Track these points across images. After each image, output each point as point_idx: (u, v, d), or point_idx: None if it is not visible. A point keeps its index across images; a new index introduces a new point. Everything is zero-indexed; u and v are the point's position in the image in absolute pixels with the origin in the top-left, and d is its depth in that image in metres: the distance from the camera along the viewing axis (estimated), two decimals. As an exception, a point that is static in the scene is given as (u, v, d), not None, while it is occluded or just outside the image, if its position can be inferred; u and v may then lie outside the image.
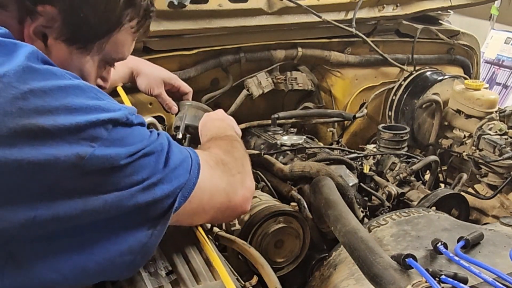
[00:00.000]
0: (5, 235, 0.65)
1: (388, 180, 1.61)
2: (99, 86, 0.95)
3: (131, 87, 1.47)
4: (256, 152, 1.54)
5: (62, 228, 0.68)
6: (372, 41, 2.04)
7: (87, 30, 0.83)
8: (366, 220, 1.38)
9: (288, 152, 1.58)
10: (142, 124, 0.79)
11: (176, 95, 1.45)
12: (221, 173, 0.94)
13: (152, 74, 1.39)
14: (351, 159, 1.58)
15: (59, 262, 0.69)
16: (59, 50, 0.83)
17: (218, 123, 1.24)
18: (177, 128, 1.37)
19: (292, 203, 1.30)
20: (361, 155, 1.71)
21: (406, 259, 0.90)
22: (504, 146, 1.70)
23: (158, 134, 0.81)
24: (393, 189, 1.52)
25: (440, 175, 1.81)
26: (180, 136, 1.35)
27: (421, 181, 1.65)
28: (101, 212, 0.70)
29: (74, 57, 0.85)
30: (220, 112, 1.33)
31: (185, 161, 0.84)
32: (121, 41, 0.90)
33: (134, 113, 0.77)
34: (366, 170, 1.60)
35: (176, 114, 1.42)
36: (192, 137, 1.39)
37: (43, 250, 0.68)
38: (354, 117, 1.94)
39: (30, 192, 0.65)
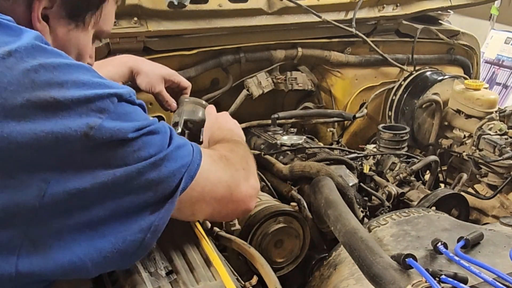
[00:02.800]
0: (21, 213, 0.67)
1: (388, 180, 1.61)
2: (88, 64, 0.97)
3: (131, 87, 1.46)
4: (256, 152, 1.54)
5: (73, 206, 0.70)
6: (372, 41, 2.04)
7: (83, 4, 0.88)
8: (366, 220, 1.38)
9: (288, 152, 1.58)
10: (142, 106, 0.82)
11: (176, 90, 1.45)
12: (224, 166, 0.96)
13: (152, 72, 1.39)
14: (351, 159, 1.58)
15: (74, 243, 0.71)
16: (60, 31, 0.86)
17: (225, 132, 1.25)
18: (176, 124, 1.37)
19: (292, 203, 1.30)
20: (361, 155, 1.71)
21: (406, 259, 0.90)
22: (504, 146, 1.70)
23: (159, 120, 0.84)
24: (393, 189, 1.52)
25: (440, 175, 1.81)
26: (179, 130, 1.35)
27: (421, 181, 1.65)
28: (110, 188, 0.72)
29: (72, 36, 0.89)
30: (225, 115, 1.34)
31: (187, 144, 0.87)
32: (109, 13, 0.95)
33: (135, 94, 0.80)
34: (366, 170, 1.60)
35: (175, 111, 1.42)
36: (191, 133, 1.39)
37: (57, 230, 0.70)
38: (354, 117, 1.94)
39: (42, 163, 0.67)
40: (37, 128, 0.66)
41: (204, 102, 1.42)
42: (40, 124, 0.66)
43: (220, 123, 1.30)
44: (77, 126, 0.68)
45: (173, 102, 1.40)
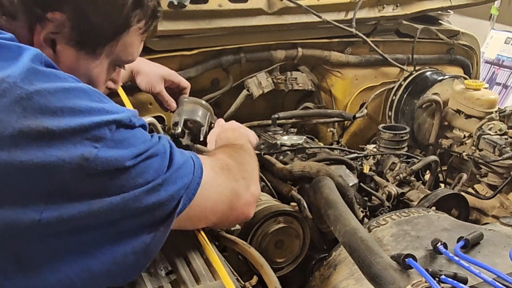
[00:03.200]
0: (12, 236, 0.65)
1: (388, 180, 1.61)
2: (109, 88, 0.95)
3: (131, 87, 1.47)
4: (256, 152, 1.54)
5: (67, 230, 0.69)
6: (372, 41, 2.04)
7: (96, 34, 0.84)
8: (366, 220, 1.38)
9: (288, 152, 1.58)
10: (143, 126, 0.79)
11: (175, 91, 1.45)
12: (225, 179, 0.94)
13: (152, 72, 1.39)
14: (351, 159, 1.58)
15: (65, 264, 0.70)
16: (68, 56, 0.83)
17: (230, 133, 1.23)
18: (176, 123, 1.37)
19: (292, 203, 1.30)
20: (361, 155, 1.71)
21: (406, 259, 0.90)
22: (504, 146, 1.70)
23: (159, 137, 0.82)
24: (393, 189, 1.52)
25: (440, 175, 1.81)
26: (179, 130, 1.35)
27: (421, 181, 1.65)
28: (106, 214, 0.70)
29: (81, 63, 0.85)
30: (234, 123, 1.33)
31: (187, 162, 0.84)
32: (129, 43, 0.90)
33: (136, 116, 0.78)
34: (366, 170, 1.60)
35: (175, 111, 1.42)
36: (191, 132, 1.39)
37: (48, 252, 0.68)
38: (354, 117, 1.94)
39: (35, 194, 0.66)
40: (28, 159, 0.64)
41: (204, 102, 1.42)
42: (31, 155, 0.64)
43: (225, 126, 1.29)
44: (70, 158, 0.66)
45: (172, 102, 1.40)
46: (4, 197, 0.65)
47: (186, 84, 1.45)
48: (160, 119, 1.65)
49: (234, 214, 0.97)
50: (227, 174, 0.95)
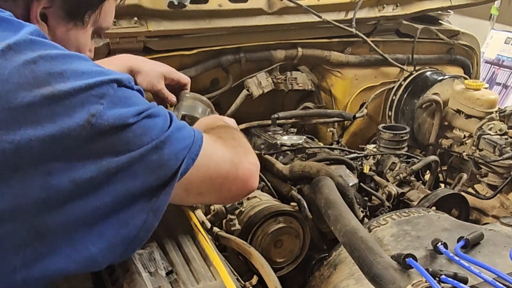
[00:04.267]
0: (27, 203, 0.68)
1: (388, 180, 1.61)
2: None
3: None
4: (256, 152, 1.54)
5: (79, 194, 0.71)
6: (372, 41, 2.04)
7: (82, 4, 0.89)
8: (366, 220, 1.38)
9: (288, 152, 1.58)
10: (140, 92, 0.82)
11: (175, 87, 1.45)
12: (223, 145, 0.96)
13: (152, 71, 1.40)
14: (351, 159, 1.58)
15: (80, 232, 0.72)
16: (59, 29, 0.88)
17: (206, 120, 1.26)
18: None
19: (292, 203, 1.30)
20: (361, 155, 1.71)
21: (406, 259, 0.90)
22: (504, 146, 1.70)
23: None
24: (393, 189, 1.52)
25: (440, 175, 1.81)
26: None
27: (421, 181, 1.65)
28: (114, 174, 0.73)
29: (71, 34, 0.90)
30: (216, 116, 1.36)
31: (187, 126, 0.87)
32: (109, 10, 0.96)
33: (133, 80, 0.81)
34: (366, 170, 1.60)
35: (174, 106, 1.42)
36: None
37: (63, 221, 0.71)
38: (354, 117, 1.94)
39: (46, 156, 0.68)
40: (40, 122, 0.67)
41: (204, 98, 1.42)
42: (43, 118, 0.67)
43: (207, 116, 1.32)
44: (79, 115, 0.69)
45: (173, 97, 1.41)
46: (17, 162, 0.67)
47: (186, 80, 1.46)
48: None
49: (240, 177, 0.96)
50: (223, 143, 0.97)
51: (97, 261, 0.76)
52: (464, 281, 0.85)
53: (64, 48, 0.76)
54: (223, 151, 0.94)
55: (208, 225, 1.14)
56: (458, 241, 1.03)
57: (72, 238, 0.72)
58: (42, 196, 0.68)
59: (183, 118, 1.37)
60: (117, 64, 1.35)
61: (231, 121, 1.27)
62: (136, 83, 1.42)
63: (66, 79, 0.70)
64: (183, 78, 1.44)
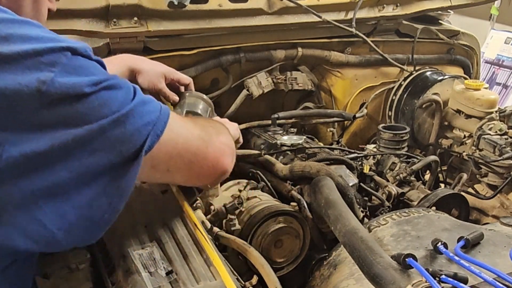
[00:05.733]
0: None
1: (388, 180, 1.61)
2: (49, 9, 0.95)
3: None
4: (256, 152, 1.54)
5: (33, 167, 0.67)
6: (372, 41, 2.04)
7: None
8: (366, 220, 1.38)
9: (288, 152, 1.58)
10: (101, 63, 0.77)
11: (176, 87, 1.45)
12: (193, 123, 0.94)
13: (152, 71, 1.39)
14: (351, 159, 1.58)
15: (37, 209, 0.69)
16: None
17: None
18: None
19: (292, 203, 1.30)
20: (361, 155, 1.71)
21: (406, 259, 0.90)
22: (504, 146, 1.70)
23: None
24: (393, 189, 1.52)
25: (440, 175, 1.81)
26: None
27: (421, 181, 1.65)
28: (71, 148, 0.69)
29: None
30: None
31: (153, 101, 0.82)
32: None
33: (92, 51, 0.76)
34: (366, 170, 1.60)
35: (176, 104, 1.42)
36: None
37: (19, 197, 0.68)
38: (354, 117, 1.94)
39: None
40: None
41: (205, 97, 1.42)
42: None
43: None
44: (27, 81, 0.65)
45: (174, 96, 1.40)
46: None
47: (187, 80, 1.45)
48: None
49: (210, 155, 0.94)
50: (194, 122, 0.95)
51: (58, 241, 0.72)
52: (464, 281, 0.85)
53: (15, 14, 0.71)
54: (193, 128, 0.92)
55: (208, 225, 1.14)
56: (458, 241, 1.03)
57: (29, 213, 0.68)
58: None
59: (187, 114, 1.36)
60: (117, 64, 1.35)
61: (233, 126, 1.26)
62: (137, 83, 1.43)
63: (12, 43, 0.66)
64: (184, 78, 1.44)
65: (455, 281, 0.84)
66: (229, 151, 1.00)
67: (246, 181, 1.40)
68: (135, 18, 1.59)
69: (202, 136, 0.93)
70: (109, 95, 0.73)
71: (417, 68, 2.13)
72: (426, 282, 0.83)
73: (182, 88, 1.45)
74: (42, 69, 0.67)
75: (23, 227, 0.69)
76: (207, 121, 1.03)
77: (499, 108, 1.89)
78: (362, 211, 1.39)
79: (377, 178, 1.60)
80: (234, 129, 1.29)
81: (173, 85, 1.43)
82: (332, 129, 2.03)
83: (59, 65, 0.68)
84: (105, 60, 1.35)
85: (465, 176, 1.80)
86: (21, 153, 0.66)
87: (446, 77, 2.06)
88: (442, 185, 1.84)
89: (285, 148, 1.58)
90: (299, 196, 1.33)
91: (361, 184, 1.53)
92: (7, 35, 0.67)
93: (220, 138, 0.98)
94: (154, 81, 1.38)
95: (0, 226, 0.68)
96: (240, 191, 1.29)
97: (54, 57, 0.68)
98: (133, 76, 1.40)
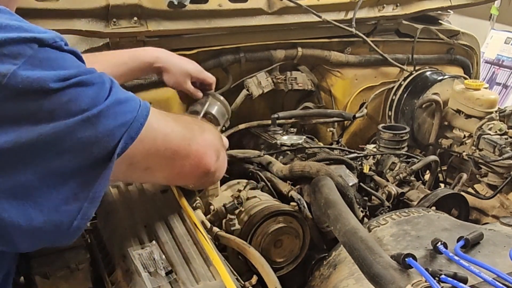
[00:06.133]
0: None
1: (388, 180, 1.61)
2: None
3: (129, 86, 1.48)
4: (256, 152, 1.54)
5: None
6: (372, 41, 2.04)
7: None
8: (366, 220, 1.38)
9: (288, 152, 1.58)
10: (74, 53, 0.73)
11: (196, 84, 1.44)
12: (176, 121, 0.90)
13: (180, 70, 1.36)
14: (351, 159, 1.58)
15: (2, 211, 0.65)
16: None
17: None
18: (195, 111, 1.36)
19: (292, 203, 1.30)
20: (361, 155, 1.71)
21: (406, 259, 0.90)
22: (504, 146, 1.70)
23: (98, 72, 0.75)
24: (393, 189, 1.52)
25: (440, 175, 1.81)
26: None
27: (421, 181, 1.65)
28: (37, 146, 0.65)
29: None
30: None
31: (131, 99, 0.78)
32: None
33: (63, 40, 0.71)
34: (366, 170, 1.60)
35: (197, 101, 1.41)
36: None
37: None
38: (354, 117, 1.94)
39: None
40: None
41: (227, 104, 1.43)
42: None
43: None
44: None
45: (198, 93, 1.38)
46: None
47: (211, 80, 1.44)
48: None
49: (193, 154, 0.90)
50: (176, 119, 0.91)
51: (21, 244, 0.69)
52: (464, 281, 0.85)
53: None
54: (174, 125, 0.88)
55: (208, 225, 1.14)
56: (458, 241, 1.03)
57: None
58: None
59: (205, 114, 1.36)
60: (143, 56, 1.32)
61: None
62: (162, 79, 1.41)
63: None
64: (209, 77, 1.43)
65: (455, 281, 0.84)
66: (214, 149, 0.96)
67: (246, 181, 1.40)
68: (135, 18, 1.59)
69: (184, 133, 0.89)
70: (78, 92, 0.68)
71: (417, 68, 2.13)
72: (425, 282, 0.83)
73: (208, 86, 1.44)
74: (4, 61, 0.62)
75: None
76: (192, 119, 0.98)
77: (499, 108, 1.89)
78: (362, 211, 1.39)
79: (377, 178, 1.60)
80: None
81: (195, 83, 1.42)
82: (332, 129, 2.03)
83: (22, 57, 0.64)
84: (131, 51, 1.34)
85: (465, 176, 1.80)
86: None
87: (446, 77, 2.06)
88: (442, 185, 1.84)
89: (285, 148, 1.58)
90: (299, 196, 1.33)
91: (361, 184, 1.53)
92: None
93: (205, 136, 0.94)
94: (180, 80, 1.36)
95: None
96: (239, 191, 1.29)
97: (18, 49, 0.64)
98: (158, 72, 1.38)
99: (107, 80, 0.74)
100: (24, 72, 0.63)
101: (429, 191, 1.54)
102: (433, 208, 1.40)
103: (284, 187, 1.40)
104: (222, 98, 1.41)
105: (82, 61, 0.74)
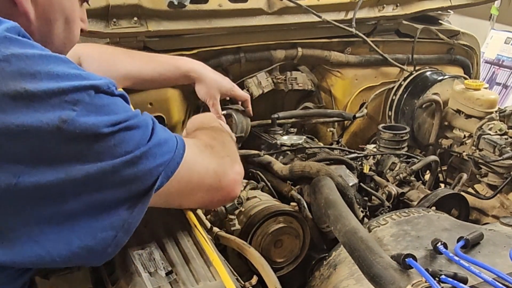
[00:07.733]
0: None
1: (388, 180, 1.60)
2: (81, 29, 0.95)
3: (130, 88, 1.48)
4: (256, 152, 1.54)
5: (44, 197, 0.69)
6: (372, 41, 2.04)
7: None
8: (366, 220, 1.38)
9: (288, 152, 1.58)
10: (123, 97, 0.79)
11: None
12: (210, 155, 0.95)
13: (214, 85, 1.46)
14: (351, 159, 1.58)
15: (42, 235, 0.70)
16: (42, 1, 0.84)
17: (201, 117, 1.27)
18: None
19: (292, 203, 1.30)
20: (361, 155, 1.71)
21: (406, 259, 0.90)
22: (504, 146, 1.70)
23: (143, 113, 0.82)
24: (393, 189, 1.52)
25: (440, 175, 1.81)
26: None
27: (421, 181, 1.65)
28: (83, 183, 0.70)
29: (54, 1, 0.85)
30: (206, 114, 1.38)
31: (170, 140, 0.84)
32: None
33: (115, 85, 0.77)
34: (366, 170, 1.60)
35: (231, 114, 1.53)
36: None
37: (26, 222, 0.69)
38: (354, 117, 1.94)
39: (14, 156, 0.66)
40: (7, 120, 0.64)
41: (249, 122, 1.58)
42: (10, 116, 0.64)
43: (198, 116, 1.34)
44: (49, 119, 0.66)
45: (222, 116, 1.48)
46: None
47: (244, 97, 1.50)
48: (160, 119, 1.65)
49: (223, 188, 0.96)
50: (211, 151, 0.95)
51: (57, 264, 0.74)
52: (464, 281, 0.85)
53: (44, 48, 0.73)
54: (208, 162, 0.93)
55: (208, 225, 1.14)
56: (458, 241, 1.03)
57: (33, 241, 0.69)
58: (5, 195, 0.66)
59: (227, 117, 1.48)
60: (182, 65, 1.41)
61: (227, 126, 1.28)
62: (193, 88, 1.47)
63: (39, 80, 0.67)
64: (242, 95, 1.52)
65: (455, 281, 0.84)
66: (241, 178, 1.02)
67: (246, 181, 1.40)
68: (135, 18, 1.59)
69: (217, 170, 0.94)
70: (125, 136, 0.74)
71: (417, 68, 2.13)
72: (425, 282, 0.83)
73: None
74: (65, 108, 0.68)
75: (24, 250, 0.69)
76: (225, 146, 1.02)
77: (499, 108, 1.89)
78: (362, 211, 1.39)
79: (377, 178, 1.60)
80: (227, 128, 1.34)
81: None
82: (332, 129, 2.03)
83: (81, 104, 0.69)
84: (169, 58, 1.45)
85: (465, 176, 1.80)
86: (37, 183, 0.67)
87: (446, 77, 2.06)
88: (442, 185, 1.84)
89: (285, 148, 1.58)
90: (299, 196, 1.33)
91: (361, 184, 1.53)
92: (35, 72, 0.67)
93: (235, 169, 0.99)
94: (211, 95, 1.44)
95: (2, 246, 0.68)
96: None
97: (77, 96, 0.69)
98: (190, 81, 1.45)
99: (149, 122, 0.81)
100: (82, 118, 0.69)
101: (429, 191, 1.54)
102: (433, 208, 1.40)
103: (284, 187, 1.40)
104: (245, 116, 1.45)
105: (128, 102, 0.80)
